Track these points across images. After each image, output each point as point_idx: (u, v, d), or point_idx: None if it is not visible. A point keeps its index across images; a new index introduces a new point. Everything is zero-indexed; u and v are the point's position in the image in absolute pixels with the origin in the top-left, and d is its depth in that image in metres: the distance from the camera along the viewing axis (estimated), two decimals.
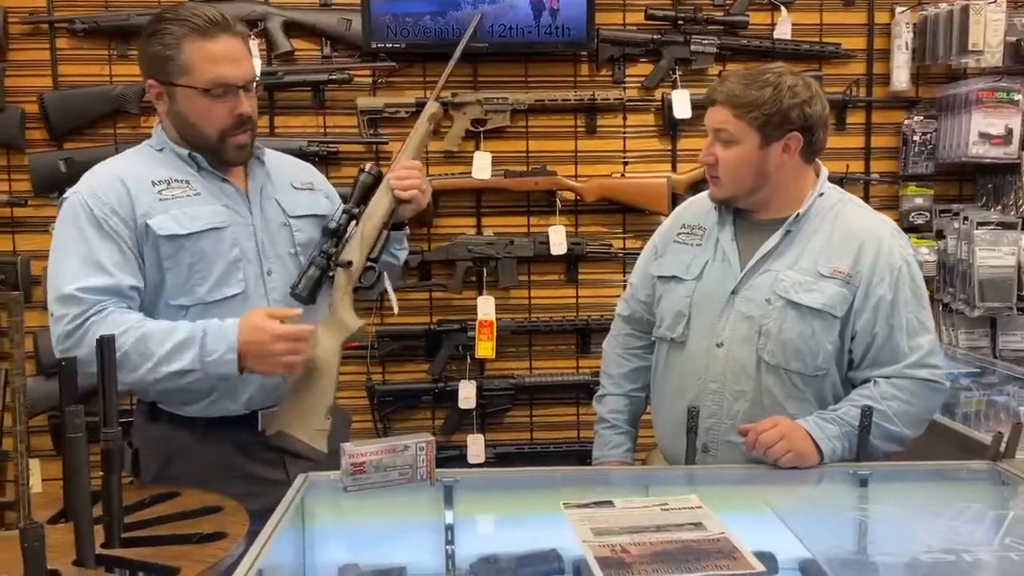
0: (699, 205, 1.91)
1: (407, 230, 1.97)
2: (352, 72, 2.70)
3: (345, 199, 1.85)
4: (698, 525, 1.31)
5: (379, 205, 1.81)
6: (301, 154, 2.67)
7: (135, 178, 1.67)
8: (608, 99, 2.77)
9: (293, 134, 2.75)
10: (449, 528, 1.52)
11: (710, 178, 1.77)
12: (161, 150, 1.74)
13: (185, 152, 1.72)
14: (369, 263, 1.81)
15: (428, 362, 2.84)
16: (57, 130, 2.67)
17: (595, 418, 2.02)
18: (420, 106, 2.72)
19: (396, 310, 1.99)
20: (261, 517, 1.39)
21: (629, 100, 2.80)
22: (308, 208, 1.87)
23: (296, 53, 2.73)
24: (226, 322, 1.62)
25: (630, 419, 1.99)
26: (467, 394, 2.80)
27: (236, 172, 1.78)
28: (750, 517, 1.49)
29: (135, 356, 1.57)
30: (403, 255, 2.02)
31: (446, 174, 2.78)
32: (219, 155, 1.72)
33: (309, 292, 1.74)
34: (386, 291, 1.91)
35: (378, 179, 1.83)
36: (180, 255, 1.66)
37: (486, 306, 2.79)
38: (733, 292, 1.75)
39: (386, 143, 2.74)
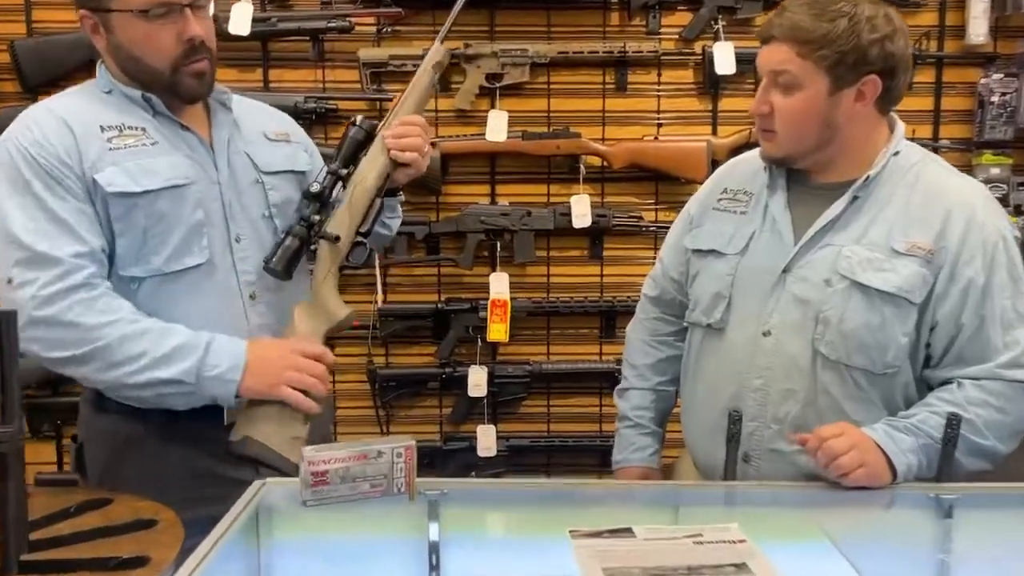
0: (745, 167, 1.60)
1: (401, 196, 1.69)
2: (354, 20, 2.41)
3: (329, 160, 1.57)
4: (741, 567, 1.02)
5: (372, 167, 1.53)
6: (296, 111, 2.40)
7: (81, 122, 1.41)
8: (641, 52, 2.45)
9: (288, 89, 2.48)
10: (433, 550, 1.24)
11: (762, 132, 1.46)
12: (109, 92, 1.47)
13: (138, 93, 1.45)
14: (359, 238, 1.53)
15: (435, 345, 2.57)
16: (30, 81, 2.42)
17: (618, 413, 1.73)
18: None
19: (380, 296, 1.72)
20: None
21: (665, 53, 2.48)
22: (284, 163, 1.59)
23: None
24: (234, 338, 1.42)
25: (657, 417, 1.70)
26: (478, 381, 2.52)
27: (197, 119, 1.51)
28: (804, 549, 1.20)
29: (118, 354, 1.36)
30: (395, 224, 1.75)
31: (457, 136, 2.49)
32: (176, 90, 1.45)
33: (285, 266, 1.48)
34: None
35: (371, 135, 1.54)
36: (133, 217, 1.40)
37: (500, 284, 2.50)
38: (785, 270, 1.45)
39: (391, 99, 2.45)
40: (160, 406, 1.41)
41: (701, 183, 2.48)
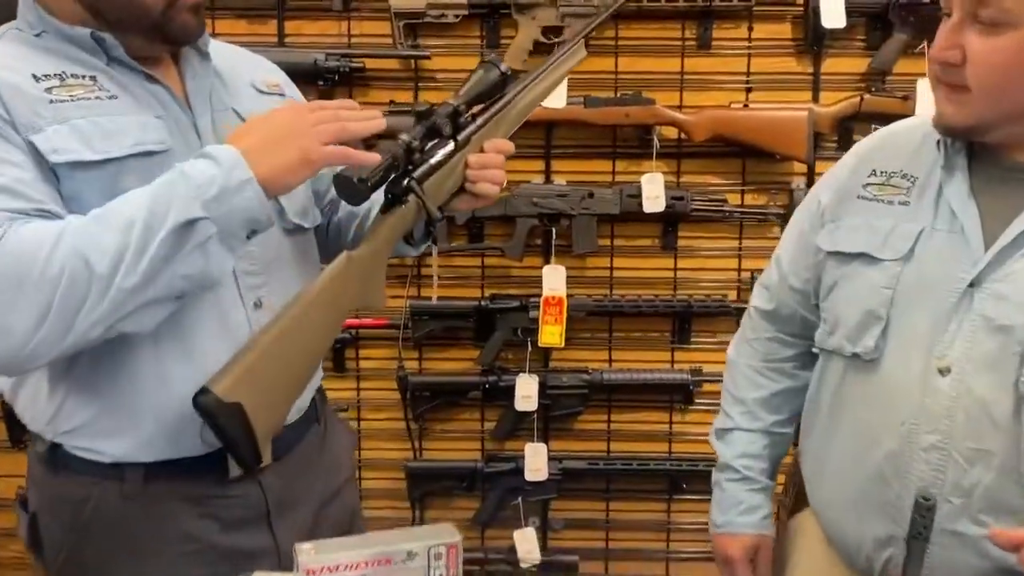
0: (902, 139, 1.18)
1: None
2: None
3: None
4: None
5: (452, 170, 1.18)
6: (316, 70, 2.03)
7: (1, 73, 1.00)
8: (729, 2, 2.03)
9: (308, 44, 2.09)
10: None
11: (946, 88, 1.04)
12: (39, 35, 1.07)
13: (85, 32, 1.05)
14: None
15: (477, 348, 2.18)
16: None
17: (700, 442, 1.37)
18: (477, 7, 2.03)
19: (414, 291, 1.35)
20: None
21: (759, 4, 2.05)
22: None
23: None
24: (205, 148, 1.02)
25: (769, 468, 1.31)
26: (527, 391, 2.14)
27: (164, 70, 1.12)
28: None
29: (96, 257, 0.92)
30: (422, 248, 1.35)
31: None
32: (166, 30, 1.07)
33: (374, 184, 1.06)
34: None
35: (504, 82, 1.20)
36: (88, 197, 0.99)
37: (554, 278, 2.11)
38: (972, 284, 1.03)
39: (428, 57, 2.06)
40: (182, 293, 0.99)
41: (801, 160, 2.10)
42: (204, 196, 0.95)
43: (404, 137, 1.12)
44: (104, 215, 0.94)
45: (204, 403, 0.96)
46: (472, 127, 1.20)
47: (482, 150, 1.21)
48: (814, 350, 1.22)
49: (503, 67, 1.20)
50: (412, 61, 2.10)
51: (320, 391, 1.32)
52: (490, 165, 1.21)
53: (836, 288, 1.16)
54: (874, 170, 1.17)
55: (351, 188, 1.06)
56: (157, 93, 1.10)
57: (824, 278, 1.19)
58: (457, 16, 2.05)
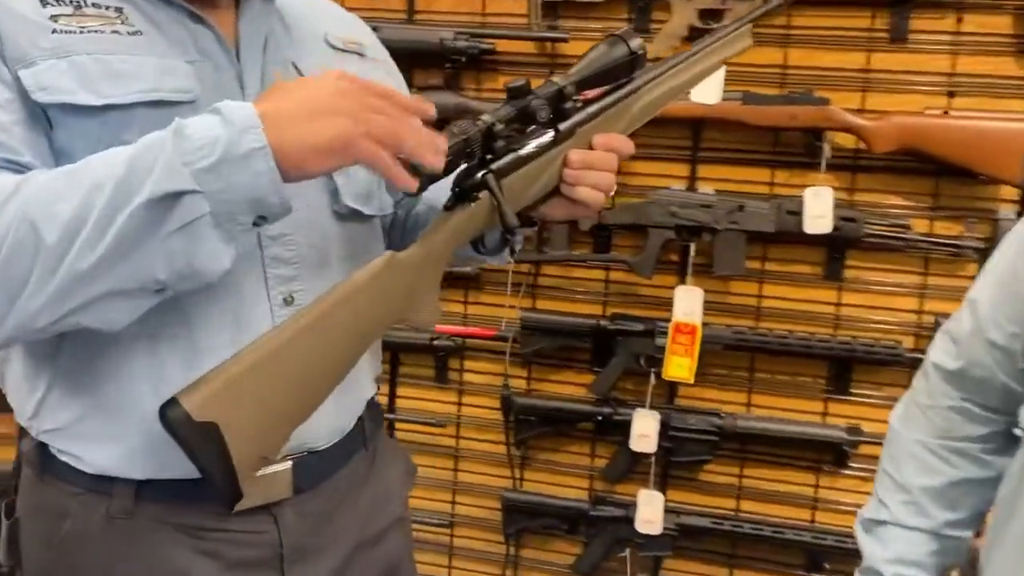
0: None
1: (523, 234, 1.06)
2: None
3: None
4: None
5: (546, 167, 0.94)
6: (442, 50, 1.83)
7: None
8: None
9: (439, 22, 1.91)
10: None
11: None
12: None
13: None
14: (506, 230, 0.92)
15: (593, 373, 1.92)
16: None
17: (850, 514, 1.04)
18: None
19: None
20: None
21: None
22: None
23: None
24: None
25: None
26: (645, 430, 1.85)
27: (220, 8, 0.93)
28: None
29: (47, 224, 0.73)
30: (498, 260, 1.10)
31: None
32: None
33: (433, 174, 0.83)
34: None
35: (633, 63, 0.95)
36: (82, 152, 0.79)
37: (689, 302, 1.81)
38: None
39: (566, 40, 1.82)
40: (161, 287, 0.77)
41: (1015, 184, 1.68)
42: (198, 163, 0.73)
43: (486, 117, 0.88)
44: (75, 172, 0.75)
45: (169, 418, 0.75)
46: (579, 116, 0.95)
47: (591, 146, 0.96)
48: (1016, 432, 0.88)
49: (634, 43, 0.94)
50: (548, 44, 1.86)
51: (374, 407, 1.10)
52: (597, 166, 0.95)
53: None
54: None
55: (419, 178, 0.83)
56: (199, 34, 0.91)
57: None
58: None
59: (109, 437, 0.88)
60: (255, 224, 0.79)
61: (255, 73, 0.93)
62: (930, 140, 1.67)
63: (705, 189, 1.82)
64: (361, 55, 1.07)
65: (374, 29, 1.85)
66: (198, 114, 0.79)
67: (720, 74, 1.73)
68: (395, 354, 2.02)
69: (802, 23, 1.76)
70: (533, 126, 0.92)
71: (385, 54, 1.14)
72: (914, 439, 0.99)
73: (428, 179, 0.84)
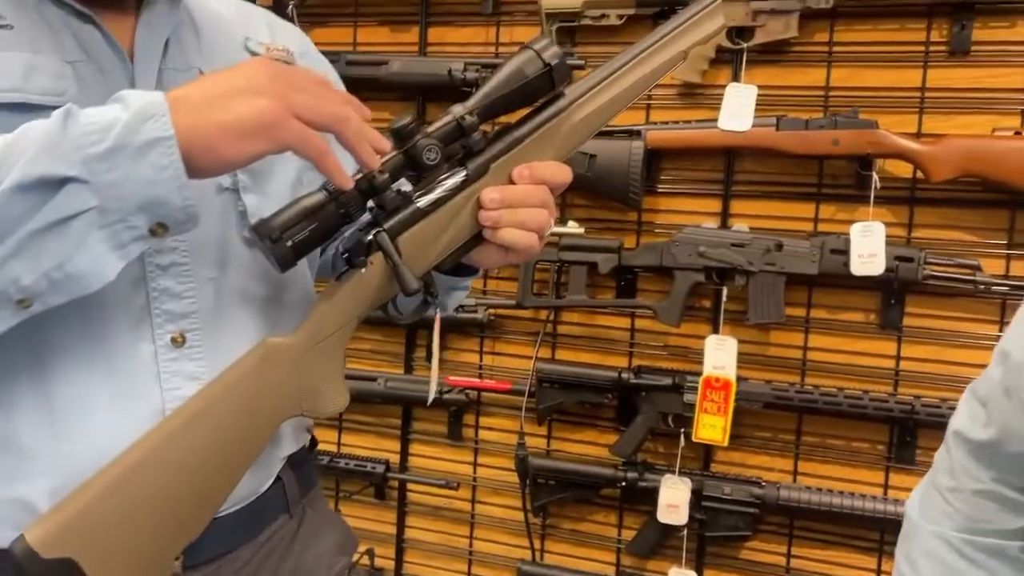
0: None
1: (468, 282, 0.93)
2: None
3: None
4: None
5: (457, 212, 0.79)
6: (451, 81, 1.72)
7: None
8: None
9: (452, 52, 1.80)
10: None
11: None
12: None
13: None
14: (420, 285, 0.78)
15: (618, 432, 1.72)
16: None
17: None
18: (645, 5, 1.64)
19: (432, 391, 0.98)
20: None
21: None
22: None
23: None
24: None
25: None
26: (674, 499, 1.63)
27: (119, 11, 0.82)
28: None
29: None
30: (451, 302, 0.96)
31: (675, 122, 1.63)
32: None
33: (300, 244, 0.72)
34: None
35: (551, 78, 0.78)
36: None
37: (721, 354, 1.60)
38: None
39: (583, 66, 1.66)
40: (28, 296, 0.66)
41: None
42: (89, 148, 0.62)
43: (378, 173, 0.74)
44: None
45: (17, 557, 0.63)
46: (493, 148, 0.79)
47: (511, 181, 0.80)
48: None
49: (548, 54, 0.77)
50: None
51: (303, 465, 0.96)
52: (520, 203, 0.79)
53: None
54: None
55: (273, 250, 0.72)
56: (84, 34, 0.80)
57: None
58: (621, 17, 1.65)
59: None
60: (152, 233, 0.67)
61: (149, 77, 0.82)
62: (999, 166, 1.43)
63: (739, 226, 1.62)
64: (288, 63, 0.95)
65: (384, 63, 1.79)
66: None
67: (751, 97, 1.55)
68: (407, 408, 1.87)
69: (846, 39, 1.56)
70: (434, 166, 0.77)
71: (324, 68, 1.01)
72: (933, 532, 0.77)
73: (292, 250, 0.71)
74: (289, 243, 0.70)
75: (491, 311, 1.78)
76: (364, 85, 1.79)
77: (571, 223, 1.71)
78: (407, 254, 0.76)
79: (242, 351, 0.75)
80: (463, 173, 0.78)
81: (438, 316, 0.93)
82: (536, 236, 0.81)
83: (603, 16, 1.66)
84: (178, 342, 0.78)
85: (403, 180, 0.79)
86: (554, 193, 0.82)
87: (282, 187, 0.83)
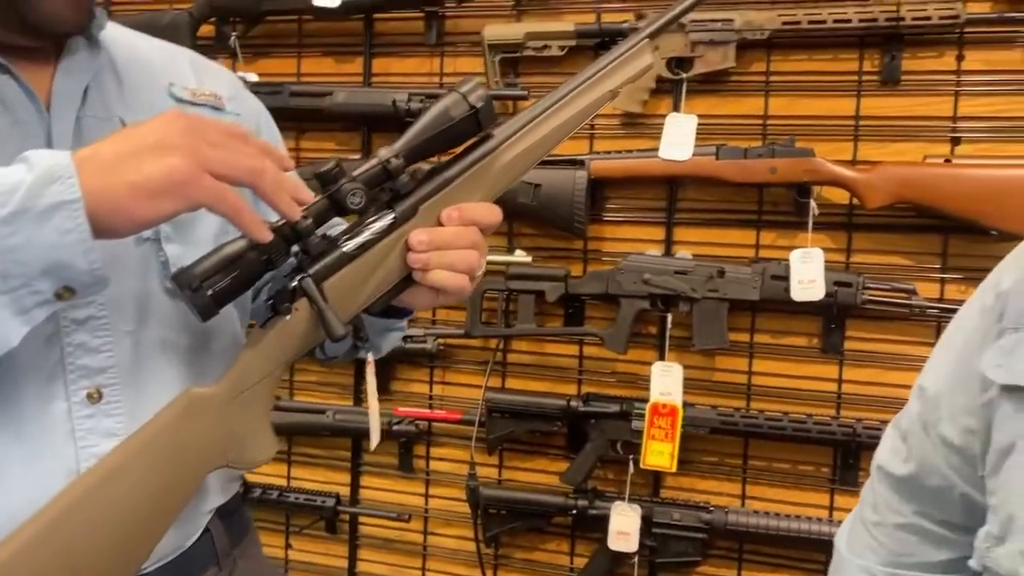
0: None
1: (405, 321, 0.93)
2: None
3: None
4: None
5: (385, 255, 0.78)
6: (396, 113, 1.71)
7: None
8: (927, 19, 1.47)
9: (396, 83, 1.80)
10: None
11: None
12: None
13: None
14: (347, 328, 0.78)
15: (569, 460, 1.72)
16: None
17: None
18: (586, 36, 1.65)
19: (374, 440, 0.98)
20: None
21: (972, 21, 1.48)
22: None
23: None
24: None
25: None
26: (624, 526, 1.64)
27: (37, 60, 0.81)
28: None
29: None
30: (385, 344, 0.95)
31: (617, 152, 1.65)
32: (25, 17, 0.76)
33: (222, 293, 0.71)
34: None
35: (476, 120, 0.78)
36: None
37: (667, 380, 1.61)
38: None
39: (526, 97, 1.67)
40: None
41: None
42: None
43: (303, 219, 0.73)
44: None
45: None
46: (422, 191, 0.79)
47: (440, 222, 0.80)
48: (979, 568, 0.67)
49: (474, 96, 0.77)
50: (510, 102, 1.73)
51: (233, 515, 0.94)
52: (449, 245, 0.79)
53: (1015, 455, 0.62)
54: None
55: (193, 299, 0.71)
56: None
57: (995, 433, 0.65)
58: (563, 48, 1.67)
59: None
60: (58, 297, 0.65)
61: (66, 127, 0.80)
62: (931, 192, 1.46)
63: (682, 253, 1.63)
64: (216, 108, 0.94)
65: (328, 94, 1.78)
66: None
67: (691, 126, 1.58)
68: (356, 440, 1.86)
69: (784, 68, 1.59)
70: (359, 211, 0.77)
71: (255, 109, 1.01)
72: (860, 566, 0.78)
73: (212, 299, 0.70)
74: (210, 292, 0.70)
75: (440, 341, 1.78)
76: (308, 116, 1.79)
77: (518, 252, 1.71)
78: (333, 299, 0.75)
79: (164, 404, 0.74)
80: (391, 216, 0.78)
81: (371, 360, 0.93)
82: (466, 278, 0.81)
83: (545, 47, 1.68)
84: (94, 398, 0.77)
85: (336, 221, 0.79)
86: (485, 233, 0.82)
87: (206, 235, 0.82)
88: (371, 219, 0.77)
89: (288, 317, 0.75)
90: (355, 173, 0.75)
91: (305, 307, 0.75)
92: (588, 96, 0.85)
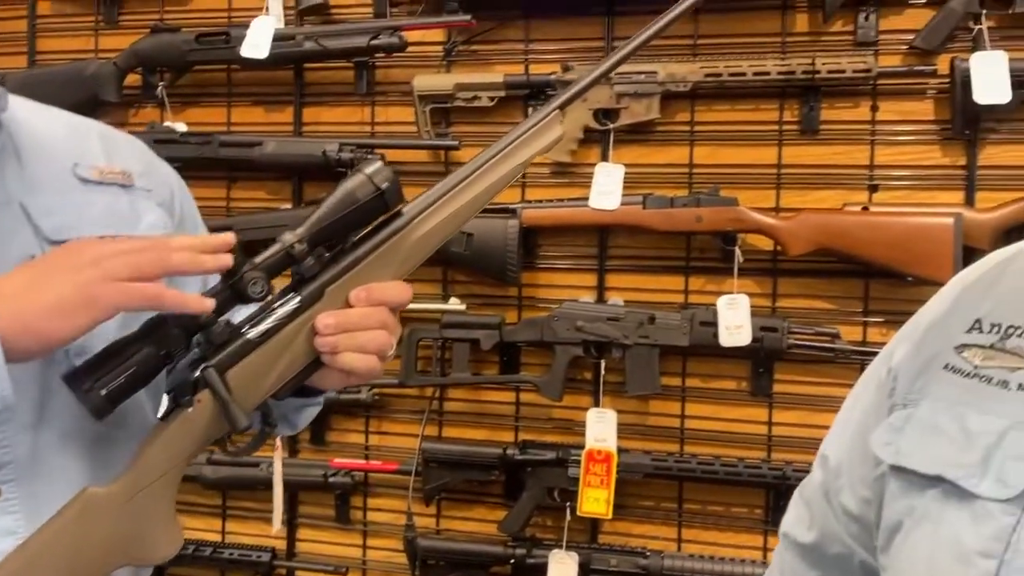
0: None
1: (319, 401, 0.92)
2: (405, 31, 1.69)
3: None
4: None
5: (291, 340, 0.77)
6: (327, 163, 1.71)
7: None
8: (842, 71, 1.52)
9: (327, 132, 1.80)
10: None
11: None
12: None
13: None
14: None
15: (507, 509, 1.72)
16: None
17: None
18: (515, 87, 1.67)
19: (276, 524, 0.97)
20: None
21: (885, 74, 1.53)
22: (105, 224, 0.84)
23: (342, 10, 1.79)
24: None
25: None
26: (563, 574, 1.64)
27: None
28: None
29: None
30: (301, 421, 0.95)
31: (548, 201, 1.67)
32: None
33: (115, 392, 0.70)
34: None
35: (383, 201, 0.77)
36: None
37: (601, 426, 1.62)
38: None
39: (457, 147, 1.69)
40: None
41: (943, 283, 1.52)
42: None
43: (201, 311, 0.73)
44: None
45: None
46: (328, 274, 0.77)
47: (348, 304, 0.79)
48: None
49: (380, 178, 0.76)
50: (442, 152, 1.74)
51: None
52: (358, 327, 0.78)
53: (902, 533, 0.64)
54: (978, 320, 0.65)
55: (88, 403, 0.70)
56: None
57: (885, 510, 0.66)
58: (492, 99, 1.69)
59: None
60: None
61: None
62: (848, 239, 1.50)
63: (614, 300, 1.65)
64: (125, 185, 0.92)
65: (258, 144, 1.77)
66: None
67: (619, 176, 1.60)
68: (293, 493, 1.83)
69: (707, 118, 1.63)
70: (278, 295, 0.77)
71: (167, 180, 0.99)
72: None
73: (106, 399, 0.69)
74: (103, 392, 0.68)
75: (375, 390, 1.77)
76: (239, 166, 1.78)
77: (453, 300, 1.72)
78: (237, 388, 0.74)
79: (66, 499, 0.73)
80: (296, 300, 0.77)
81: (279, 446, 0.92)
82: (376, 358, 0.80)
83: (475, 98, 1.69)
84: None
85: (238, 308, 0.78)
86: (395, 312, 0.82)
87: (108, 326, 0.81)
88: (276, 304, 0.77)
89: (190, 410, 0.74)
90: (257, 260, 0.74)
91: (208, 398, 0.74)
92: (499, 169, 0.86)
